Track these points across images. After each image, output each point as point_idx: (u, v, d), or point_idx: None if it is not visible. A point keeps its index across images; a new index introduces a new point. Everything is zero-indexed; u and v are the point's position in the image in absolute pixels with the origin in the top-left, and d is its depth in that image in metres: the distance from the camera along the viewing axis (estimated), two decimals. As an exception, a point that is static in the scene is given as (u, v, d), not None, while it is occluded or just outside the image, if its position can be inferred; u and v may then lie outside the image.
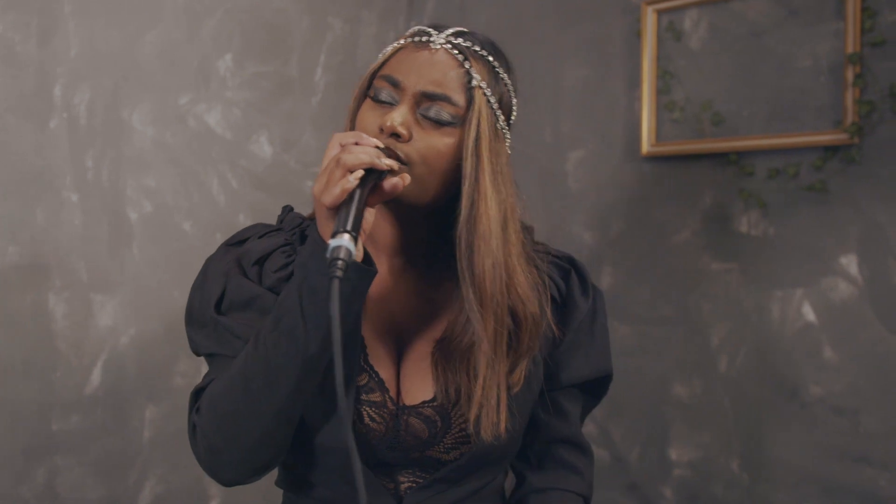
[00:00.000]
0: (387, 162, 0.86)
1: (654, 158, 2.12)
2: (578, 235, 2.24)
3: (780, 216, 1.94)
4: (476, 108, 0.93)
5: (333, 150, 0.87)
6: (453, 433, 0.97)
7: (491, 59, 0.96)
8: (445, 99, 0.92)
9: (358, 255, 0.87)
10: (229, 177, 2.15)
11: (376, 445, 0.97)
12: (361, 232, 0.88)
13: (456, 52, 0.94)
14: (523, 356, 0.97)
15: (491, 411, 0.93)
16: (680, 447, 2.08)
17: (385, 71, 0.95)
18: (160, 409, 1.99)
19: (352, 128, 0.98)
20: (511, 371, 0.96)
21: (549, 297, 1.01)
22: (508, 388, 0.96)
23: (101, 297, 1.91)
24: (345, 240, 0.78)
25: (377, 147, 0.88)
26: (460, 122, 0.93)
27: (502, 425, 0.94)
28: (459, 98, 0.93)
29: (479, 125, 0.92)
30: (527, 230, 1.08)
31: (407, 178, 0.89)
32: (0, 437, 1.75)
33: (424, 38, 0.95)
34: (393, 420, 0.97)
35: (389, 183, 0.87)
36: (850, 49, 1.82)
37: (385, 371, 0.99)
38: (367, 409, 0.96)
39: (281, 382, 0.86)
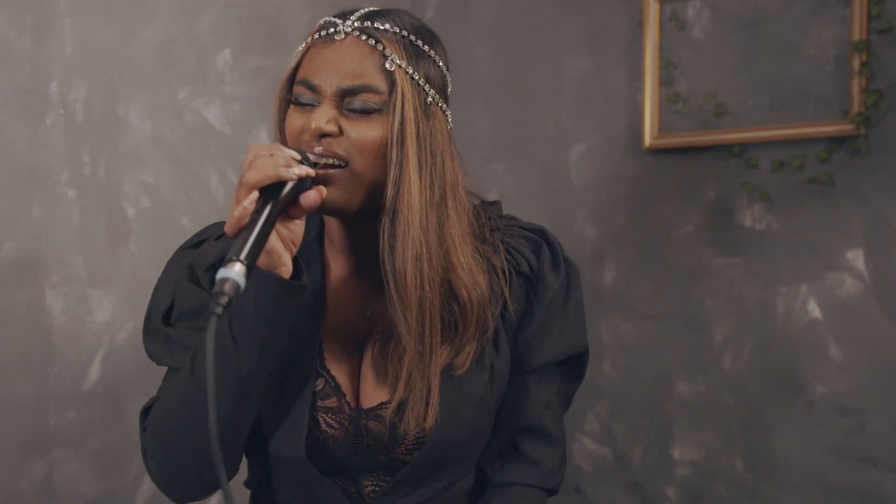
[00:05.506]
0: (296, 171, 0.81)
1: (656, 151, 2.08)
2: (581, 230, 2.21)
3: (785, 210, 1.89)
4: (398, 90, 0.88)
5: None
6: (413, 433, 0.94)
7: (405, 33, 0.91)
8: (366, 89, 0.88)
9: (287, 270, 0.84)
10: (228, 172, 2.14)
11: (335, 451, 0.95)
12: (289, 244, 0.84)
13: (364, 36, 0.89)
14: (470, 341, 0.93)
15: (417, 404, 0.90)
16: (683, 446, 2.04)
17: (300, 75, 0.91)
18: (158, 404, 1.99)
19: (281, 137, 0.94)
20: (456, 355, 0.93)
21: (507, 276, 0.97)
22: (457, 384, 0.93)
23: (99, 292, 1.92)
24: (234, 271, 0.71)
25: (294, 158, 0.83)
26: (388, 107, 0.88)
27: (430, 419, 0.90)
28: (380, 84, 0.88)
29: (402, 108, 0.88)
30: (492, 205, 1.04)
31: (323, 191, 0.85)
32: (-3, 431, 1.76)
33: (330, 31, 0.90)
34: (352, 425, 0.94)
35: (305, 198, 0.83)
36: (856, 36, 1.77)
37: (343, 374, 0.96)
38: (324, 415, 0.94)
39: (220, 403, 0.83)
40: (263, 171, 0.80)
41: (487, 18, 2.37)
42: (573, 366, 1.06)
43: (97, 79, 1.90)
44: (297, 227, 0.85)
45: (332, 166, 0.88)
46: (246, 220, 0.79)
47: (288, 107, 0.93)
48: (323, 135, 0.88)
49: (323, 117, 0.87)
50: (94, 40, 1.89)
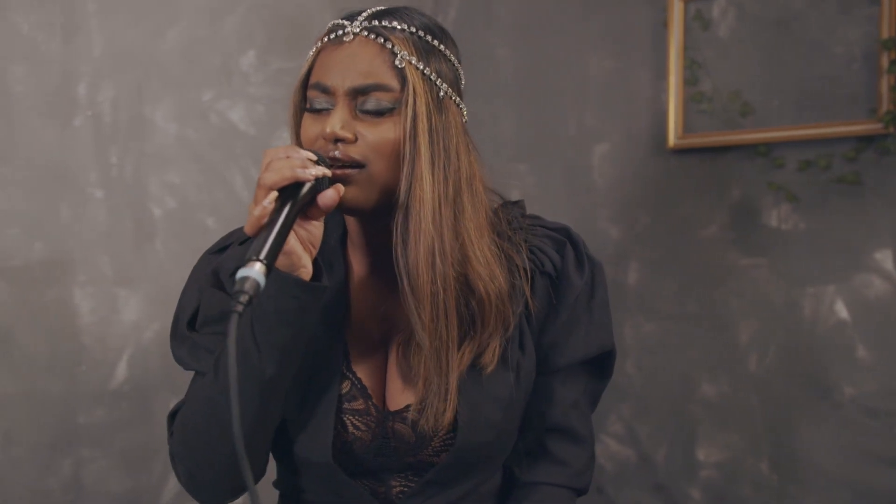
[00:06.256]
0: (313, 172, 0.81)
1: (681, 151, 2.07)
2: (604, 230, 2.20)
3: (812, 210, 1.88)
4: (409, 86, 0.88)
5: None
6: (441, 435, 0.94)
7: (414, 30, 0.91)
8: (378, 87, 0.88)
9: (307, 272, 0.85)
10: (253, 173, 2.16)
11: (362, 454, 0.95)
12: (308, 246, 0.85)
13: (373, 35, 0.89)
14: (493, 335, 0.92)
15: (435, 400, 0.90)
16: (707, 447, 2.03)
17: (312, 79, 0.91)
18: (184, 403, 2.02)
19: (297, 142, 0.94)
20: (481, 353, 0.92)
21: (528, 271, 0.96)
22: (484, 385, 0.93)
23: (125, 292, 1.94)
24: (254, 269, 0.72)
25: (310, 159, 0.83)
26: (401, 104, 0.88)
27: (448, 414, 0.90)
28: (392, 81, 0.88)
29: (414, 104, 0.88)
30: (514, 205, 1.03)
31: (341, 189, 0.85)
32: (27, 429, 1.79)
33: (339, 33, 0.90)
34: (379, 427, 0.95)
35: (323, 197, 0.83)
36: (884, 34, 1.76)
37: (369, 376, 0.96)
38: (351, 417, 0.94)
39: (243, 407, 0.83)
40: (280, 173, 0.80)
41: (510, 18, 2.37)
42: (600, 365, 1.05)
43: (124, 81, 1.92)
44: (316, 229, 0.85)
45: (350, 167, 0.88)
46: (265, 219, 0.79)
47: (303, 113, 0.93)
48: (338, 139, 0.88)
49: (338, 122, 0.87)
50: (122, 43, 1.91)
